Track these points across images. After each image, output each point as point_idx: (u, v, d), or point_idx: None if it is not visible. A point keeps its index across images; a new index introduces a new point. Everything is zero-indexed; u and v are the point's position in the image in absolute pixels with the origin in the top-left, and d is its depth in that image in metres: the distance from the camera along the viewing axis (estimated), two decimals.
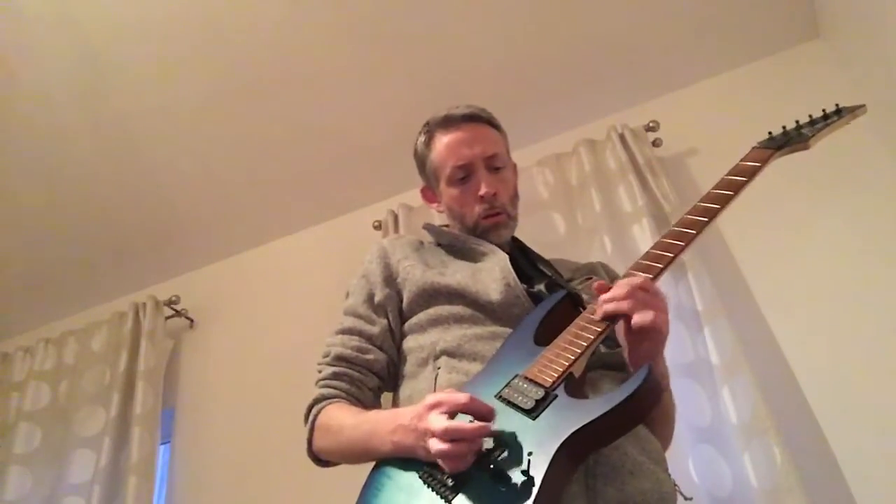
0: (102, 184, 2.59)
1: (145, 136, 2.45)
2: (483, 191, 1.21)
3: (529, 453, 0.80)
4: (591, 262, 1.35)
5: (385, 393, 1.21)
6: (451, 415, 0.85)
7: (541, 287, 1.16)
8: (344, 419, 1.06)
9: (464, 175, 1.23)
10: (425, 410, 0.88)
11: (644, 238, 1.96)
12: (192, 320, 2.74)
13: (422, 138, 1.31)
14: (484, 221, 1.23)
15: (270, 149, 2.52)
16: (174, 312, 2.68)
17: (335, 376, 1.14)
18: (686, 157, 2.24)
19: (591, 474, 0.89)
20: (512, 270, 1.12)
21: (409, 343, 1.16)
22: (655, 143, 2.21)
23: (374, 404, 1.16)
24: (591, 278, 1.24)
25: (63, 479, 2.37)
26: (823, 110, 1.16)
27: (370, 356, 1.16)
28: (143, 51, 2.22)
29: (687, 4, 2.18)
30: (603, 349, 1.05)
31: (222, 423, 2.44)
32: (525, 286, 1.13)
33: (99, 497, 2.22)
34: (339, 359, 1.16)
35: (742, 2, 2.17)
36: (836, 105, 1.16)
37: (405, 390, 1.13)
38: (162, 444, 2.42)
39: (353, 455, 1.04)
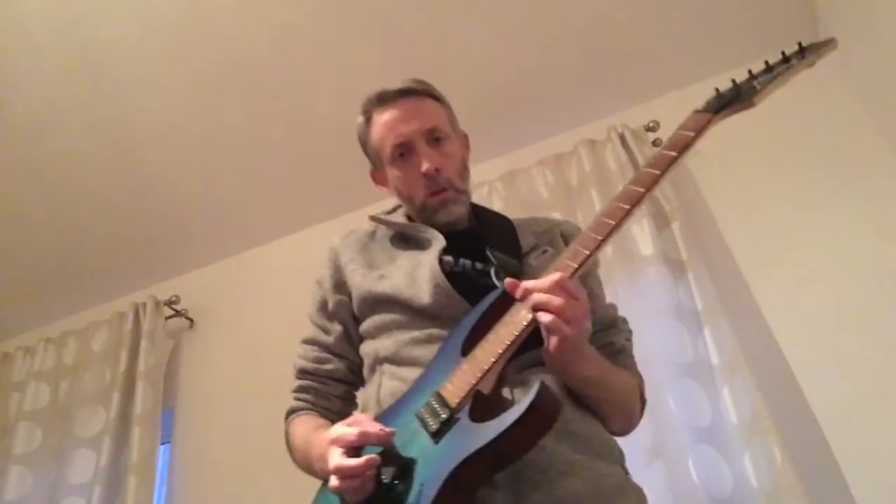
0: (102, 184, 2.58)
1: (145, 136, 2.45)
2: (424, 167, 1.13)
3: (421, 484, 0.82)
4: (552, 228, 1.25)
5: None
6: (354, 448, 0.86)
7: (490, 275, 1.06)
8: (296, 438, 1.10)
9: (403, 152, 1.16)
10: (327, 446, 0.90)
11: (644, 238, 1.96)
12: (192, 320, 2.74)
13: (360, 120, 1.23)
14: (430, 199, 1.16)
15: (270, 148, 2.52)
16: (174, 312, 2.68)
17: (301, 389, 1.18)
18: (686, 157, 2.23)
19: (519, 479, 0.87)
20: (439, 271, 1.05)
21: (364, 348, 1.15)
22: (655, 143, 2.20)
23: (343, 408, 1.17)
24: (546, 251, 1.16)
25: (63, 479, 2.37)
26: (783, 52, 0.96)
27: (329, 366, 1.17)
28: (142, 51, 2.22)
29: (687, 4, 2.18)
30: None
31: (222, 423, 2.44)
32: (481, 265, 1.08)
33: (99, 497, 2.23)
34: (303, 371, 1.19)
35: (742, 2, 2.16)
36: (799, 44, 0.95)
37: (361, 395, 1.15)
38: (162, 444, 2.42)
39: (307, 472, 1.07)
